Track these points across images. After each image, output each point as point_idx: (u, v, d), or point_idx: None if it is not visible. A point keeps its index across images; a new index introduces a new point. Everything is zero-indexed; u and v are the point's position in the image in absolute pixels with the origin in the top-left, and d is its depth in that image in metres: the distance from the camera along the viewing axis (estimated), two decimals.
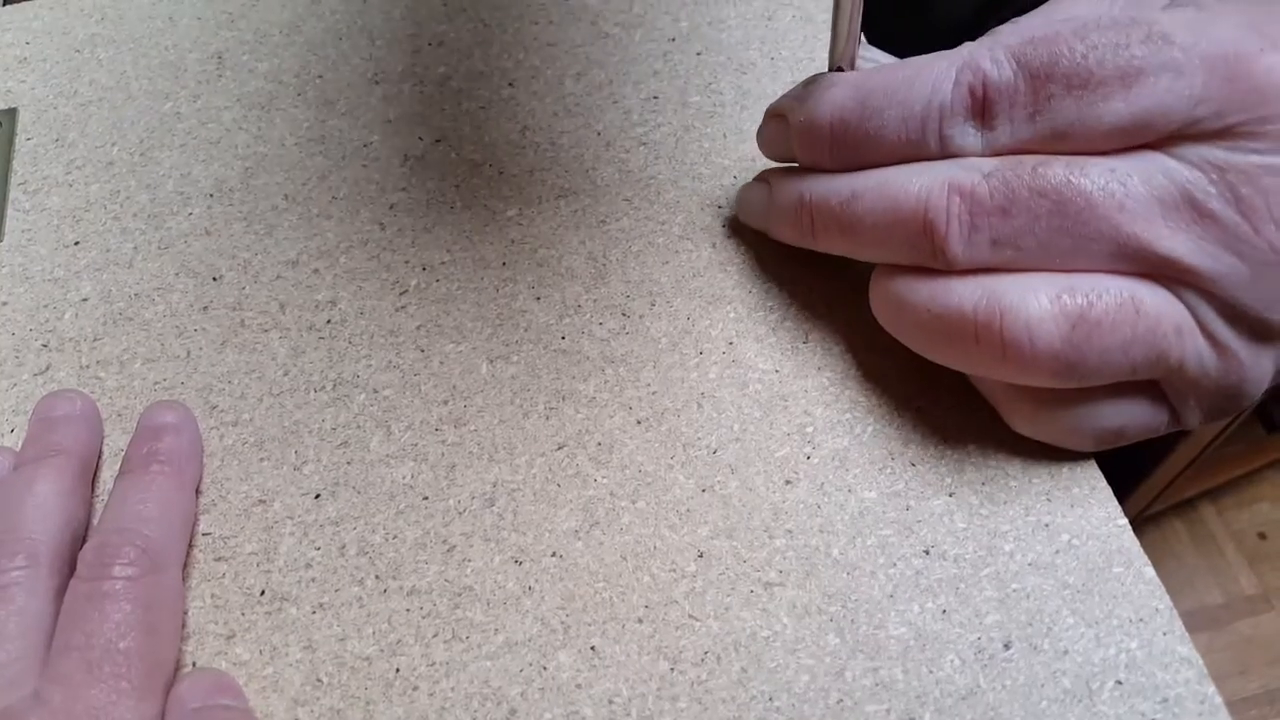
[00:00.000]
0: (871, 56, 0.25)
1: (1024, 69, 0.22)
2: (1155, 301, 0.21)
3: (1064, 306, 0.21)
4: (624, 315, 0.28)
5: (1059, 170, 0.22)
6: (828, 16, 0.34)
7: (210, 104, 0.34)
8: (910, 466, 0.25)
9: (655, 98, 0.33)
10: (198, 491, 0.26)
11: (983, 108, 0.22)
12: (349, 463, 0.26)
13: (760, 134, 0.28)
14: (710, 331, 0.28)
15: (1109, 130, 0.21)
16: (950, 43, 0.24)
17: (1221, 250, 0.21)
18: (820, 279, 0.28)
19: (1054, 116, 0.22)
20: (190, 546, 0.25)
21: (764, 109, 0.28)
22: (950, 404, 0.26)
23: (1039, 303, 0.21)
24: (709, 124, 0.32)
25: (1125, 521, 0.24)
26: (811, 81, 0.26)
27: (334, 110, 0.34)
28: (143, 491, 0.25)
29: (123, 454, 0.26)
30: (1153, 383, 0.23)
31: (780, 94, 0.31)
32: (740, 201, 0.29)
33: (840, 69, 0.25)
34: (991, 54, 0.22)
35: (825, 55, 0.33)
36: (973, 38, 0.24)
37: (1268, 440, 1.04)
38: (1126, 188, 0.21)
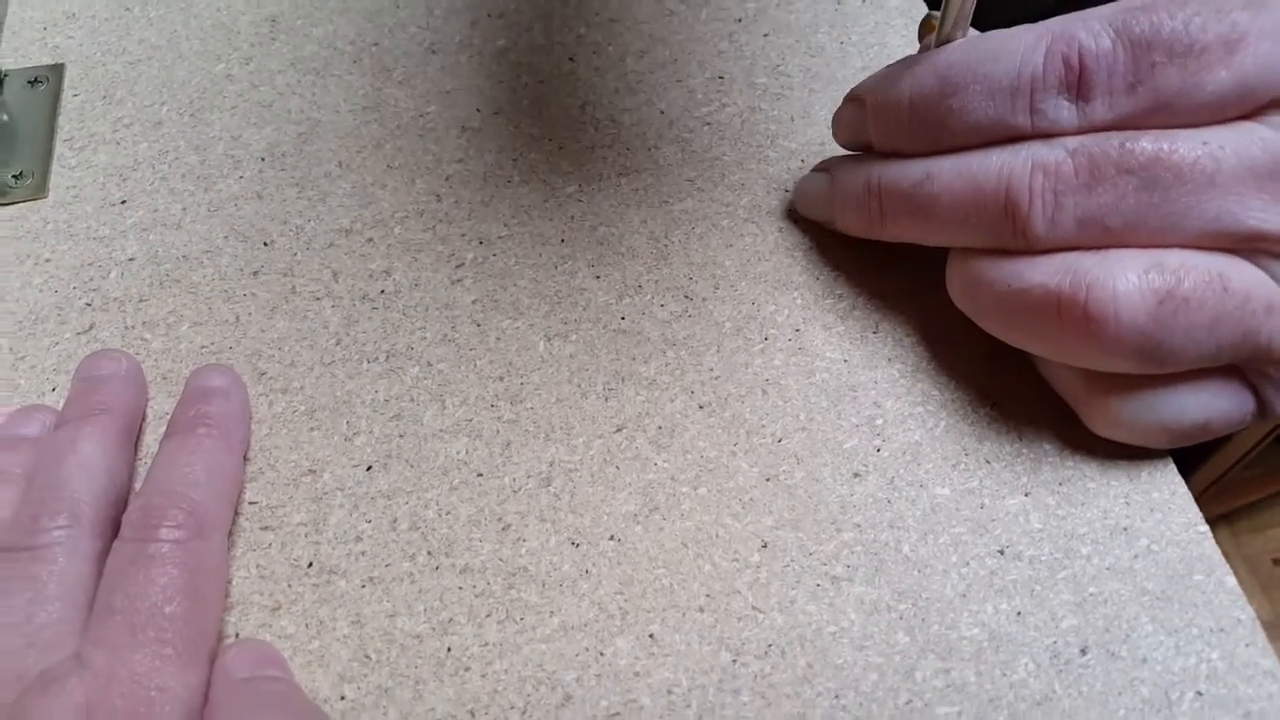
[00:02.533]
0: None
1: (1123, 38, 0.21)
2: (1244, 278, 0.21)
3: (1151, 283, 0.20)
4: (686, 298, 0.28)
5: (1147, 144, 0.21)
6: (900, 2, 0.33)
7: (263, 67, 0.34)
8: (985, 464, 0.24)
9: (721, 78, 0.32)
10: (245, 459, 0.25)
11: (1079, 80, 0.21)
12: (401, 436, 0.26)
13: (836, 118, 0.27)
14: (776, 317, 0.27)
15: (1212, 99, 0.21)
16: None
17: None
18: (890, 267, 0.28)
19: (1157, 86, 0.21)
20: (236, 515, 0.25)
21: (833, 93, 0.28)
22: (1025, 401, 0.25)
23: (1126, 278, 0.20)
24: (776, 106, 0.31)
25: (1206, 528, 0.23)
26: (895, 64, 0.25)
27: (390, 79, 0.33)
28: (190, 454, 0.24)
29: (167, 417, 0.26)
30: (1235, 369, 0.22)
31: (851, 80, 0.31)
32: (800, 192, 0.28)
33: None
34: (1086, 24, 0.21)
35: (898, 41, 0.32)
36: None
37: None
38: (1218, 161, 0.20)
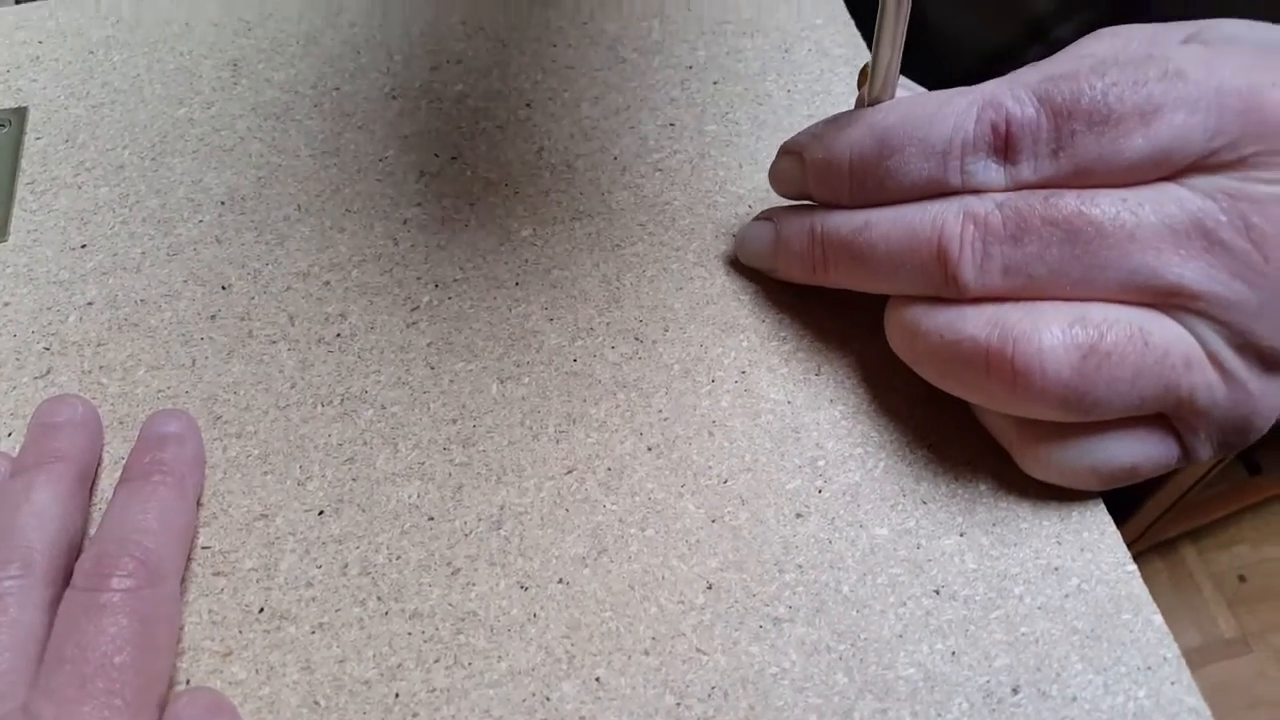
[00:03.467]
0: (907, 85, 0.25)
1: (1046, 105, 0.22)
2: (1164, 333, 0.22)
3: (1075, 337, 0.21)
4: (637, 340, 0.28)
5: (1070, 200, 0.22)
6: (844, 51, 0.34)
7: (225, 111, 0.34)
8: (921, 504, 0.25)
9: (672, 125, 0.33)
10: (199, 503, 0.26)
11: (1005, 144, 0.23)
12: (354, 479, 0.26)
13: (774, 170, 0.28)
14: (723, 360, 0.28)
15: (1129, 165, 0.22)
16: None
17: (1231, 278, 0.21)
18: (833, 312, 0.28)
19: (1076, 152, 0.22)
20: (189, 560, 0.25)
21: (779, 140, 0.28)
22: (962, 442, 0.26)
23: (1051, 333, 0.21)
24: (724, 152, 0.32)
25: (1134, 567, 0.24)
26: (830, 120, 0.26)
27: (350, 123, 0.33)
28: (143, 502, 0.24)
29: (124, 461, 0.26)
30: (1162, 417, 0.23)
31: (796, 126, 0.32)
32: (743, 240, 0.29)
33: (873, 104, 0.25)
34: (1013, 91, 0.23)
35: (842, 89, 0.33)
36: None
37: (1250, 482, 1.04)
38: (1138, 216, 0.21)
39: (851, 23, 0.35)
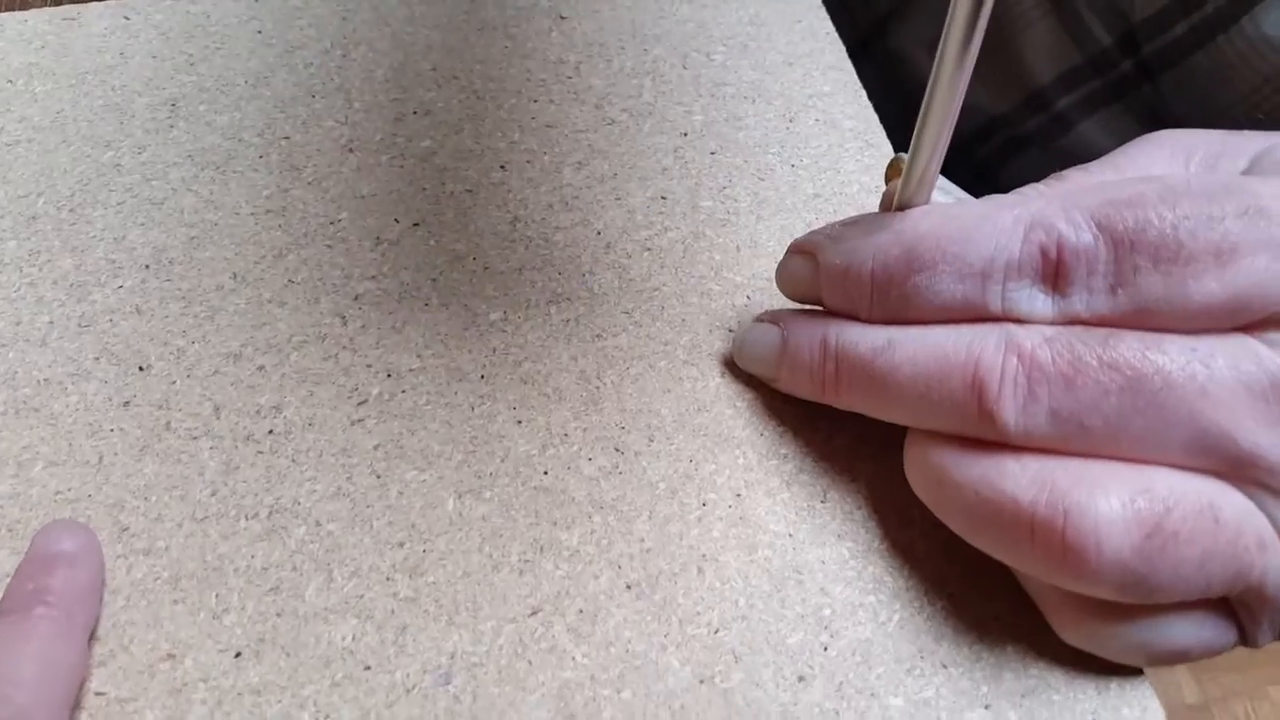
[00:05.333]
0: (945, 188, 0.22)
1: (1106, 234, 0.19)
2: (1235, 509, 0.19)
3: (1138, 512, 0.18)
4: (617, 451, 0.25)
5: (1134, 342, 0.19)
6: (854, 124, 0.31)
7: (157, 157, 0.30)
8: (941, 668, 0.22)
9: (663, 198, 0.29)
10: (93, 637, 0.22)
11: (1055, 271, 0.20)
12: (279, 614, 0.22)
13: (783, 269, 0.24)
14: (715, 479, 0.24)
15: (1198, 310, 0.19)
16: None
17: None
18: (841, 423, 0.25)
19: (1138, 291, 0.19)
20: (77, 708, 0.21)
21: (781, 222, 0.25)
22: (986, 592, 0.23)
23: (1109, 504, 0.18)
24: (721, 233, 0.29)
25: None
26: (851, 222, 0.23)
27: (299, 178, 0.30)
28: (21, 642, 0.20)
29: (8, 580, 0.22)
30: (1223, 599, 0.20)
31: (800, 206, 0.29)
32: (742, 344, 0.26)
33: (903, 208, 0.21)
34: (1068, 213, 0.20)
35: (852, 166, 0.30)
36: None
37: None
38: (1210, 370, 0.18)
39: (863, 92, 0.32)
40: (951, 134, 0.19)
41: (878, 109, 0.31)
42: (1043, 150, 0.42)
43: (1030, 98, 0.41)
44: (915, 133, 0.19)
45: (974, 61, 0.18)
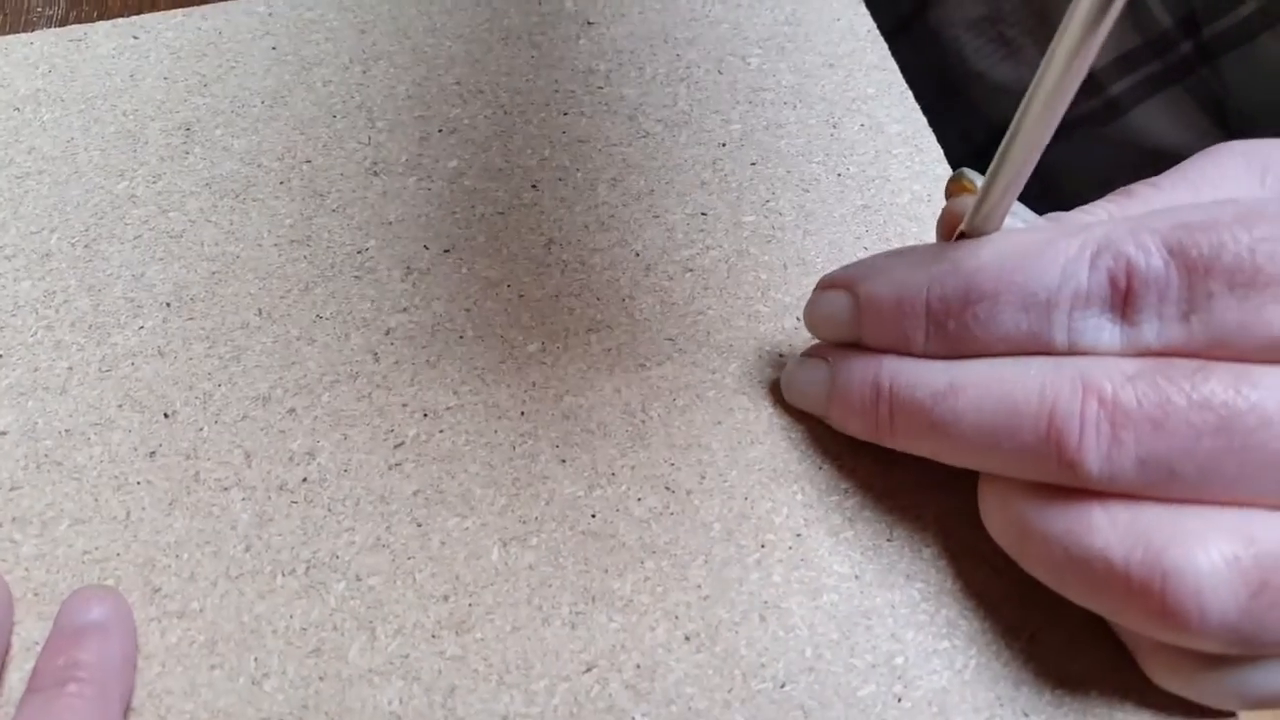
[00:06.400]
0: (1021, 213, 0.21)
1: (1178, 258, 0.18)
2: None
3: (1243, 568, 0.17)
4: (668, 490, 0.23)
5: (1225, 377, 0.17)
6: (901, 128, 0.29)
7: (173, 186, 0.29)
8: (1023, 717, 0.20)
9: (703, 214, 0.28)
10: (129, 709, 0.21)
11: (1125, 300, 0.18)
12: (321, 678, 0.21)
13: (815, 307, 0.23)
14: (773, 518, 0.23)
15: (1278, 338, 0.17)
16: None
17: None
18: (904, 456, 0.24)
19: (1212, 319, 0.18)
20: None
21: (830, 235, 0.25)
22: (1069, 634, 0.21)
23: (1209, 559, 0.17)
24: (766, 250, 0.27)
25: None
26: (895, 254, 0.21)
27: (323, 205, 0.28)
28: None
29: (38, 648, 0.21)
30: None
31: (849, 219, 0.27)
32: (790, 383, 0.24)
33: (968, 234, 0.20)
34: (1136, 237, 0.18)
35: (901, 173, 0.28)
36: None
37: None
38: None
39: (909, 93, 0.30)
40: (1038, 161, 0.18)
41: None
42: (1091, 134, 0.40)
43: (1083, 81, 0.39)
44: (997, 156, 0.18)
45: (1079, 83, 0.16)
